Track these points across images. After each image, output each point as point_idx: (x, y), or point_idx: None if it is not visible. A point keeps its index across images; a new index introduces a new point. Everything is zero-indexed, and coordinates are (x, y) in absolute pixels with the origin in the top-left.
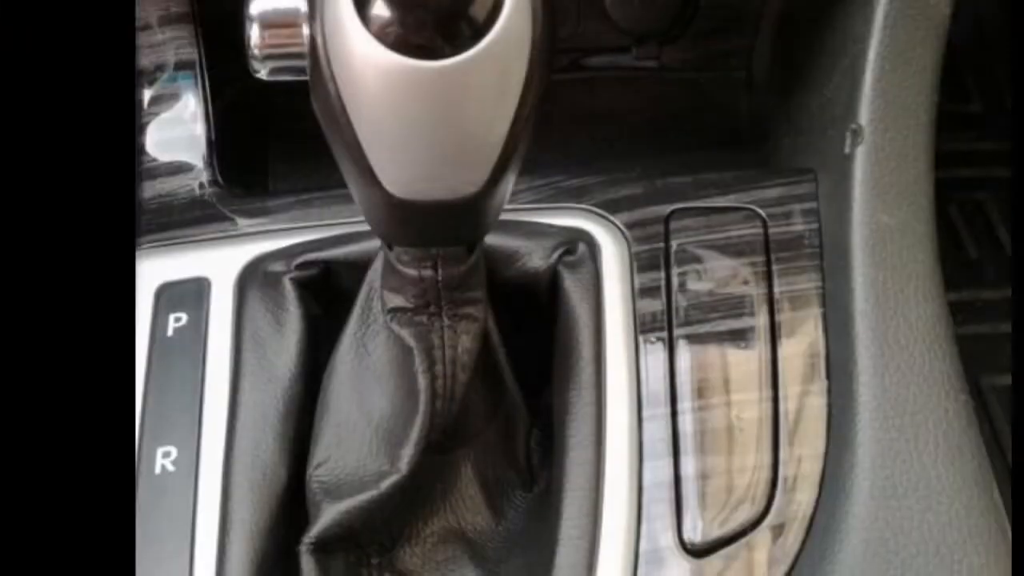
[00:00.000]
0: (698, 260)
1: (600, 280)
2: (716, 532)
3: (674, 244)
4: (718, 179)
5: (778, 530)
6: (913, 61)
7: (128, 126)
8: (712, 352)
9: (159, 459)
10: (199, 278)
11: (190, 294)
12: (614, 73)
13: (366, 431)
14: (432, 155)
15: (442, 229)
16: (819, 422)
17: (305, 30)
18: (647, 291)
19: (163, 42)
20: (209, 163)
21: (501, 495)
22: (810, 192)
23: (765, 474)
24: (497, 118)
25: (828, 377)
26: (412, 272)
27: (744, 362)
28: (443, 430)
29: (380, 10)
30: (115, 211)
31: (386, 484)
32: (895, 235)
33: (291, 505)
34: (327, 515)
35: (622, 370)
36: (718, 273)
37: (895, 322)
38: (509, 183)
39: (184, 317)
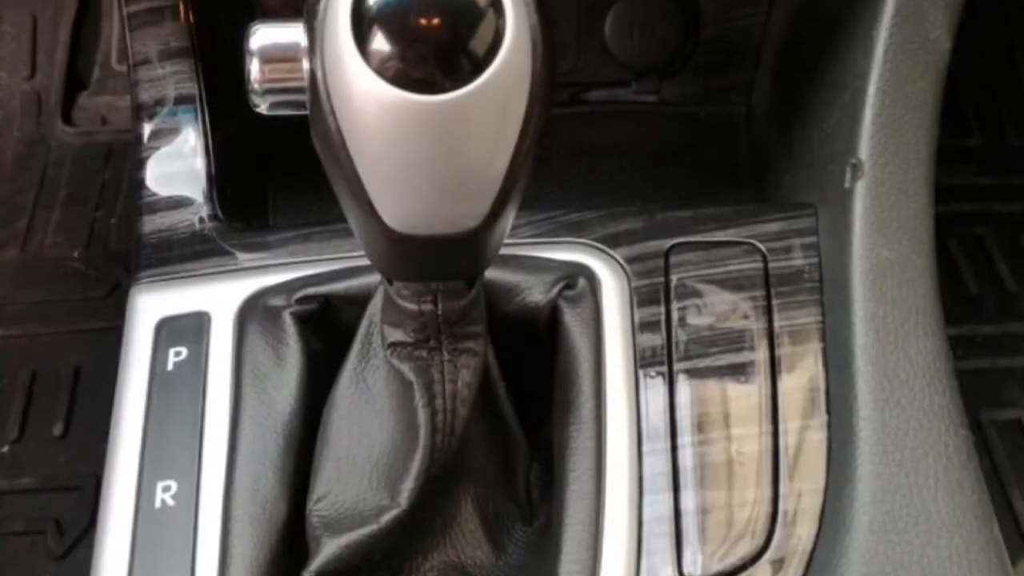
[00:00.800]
0: (698, 294)
1: (600, 314)
2: (716, 567)
3: (674, 278)
4: (718, 213)
5: (778, 564)
6: (913, 95)
7: None
8: (712, 386)
9: (159, 493)
10: (199, 312)
11: (190, 328)
12: (614, 107)
13: (366, 465)
14: (432, 189)
15: (442, 263)
16: (819, 456)
17: (305, 64)
18: (647, 325)
19: (163, 76)
20: (209, 197)
21: (501, 529)
22: (810, 226)
23: (765, 508)
24: (497, 152)
25: (828, 411)
26: (412, 306)
27: (744, 396)
28: (443, 464)
29: (380, 44)
30: None
31: (386, 518)
32: (895, 269)
33: (291, 539)
34: (327, 549)
35: (622, 404)
36: (718, 307)
37: (895, 357)
38: (509, 217)
39: (184, 351)
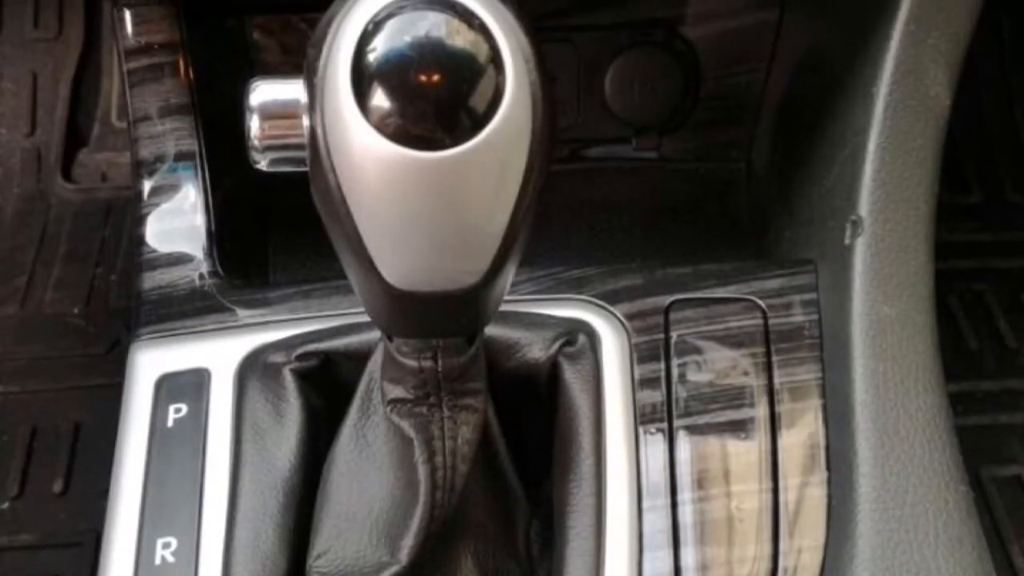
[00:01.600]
0: (698, 351)
1: (600, 371)
2: None
3: (674, 335)
4: (718, 270)
5: None
6: (913, 152)
7: None
8: (712, 443)
9: (159, 550)
10: (199, 369)
11: (190, 385)
12: (614, 164)
13: (366, 522)
14: (432, 246)
15: (442, 320)
16: (819, 513)
17: (305, 121)
18: (647, 382)
19: (163, 133)
20: (209, 254)
21: None
22: (810, 283)
23: (765, 565)
24: (497, 209)
25: (828, 468)
26: (412, 363)
27: (744, 453)
28: (443, 521)
29: (380, 101)
30: None
31: (386, 575)
32: (895, 326)
33: None
34: None
35: (622, 461)
36: (718, 364)
37: (895, 413)
38: (509, 274)
39: (184, 408)
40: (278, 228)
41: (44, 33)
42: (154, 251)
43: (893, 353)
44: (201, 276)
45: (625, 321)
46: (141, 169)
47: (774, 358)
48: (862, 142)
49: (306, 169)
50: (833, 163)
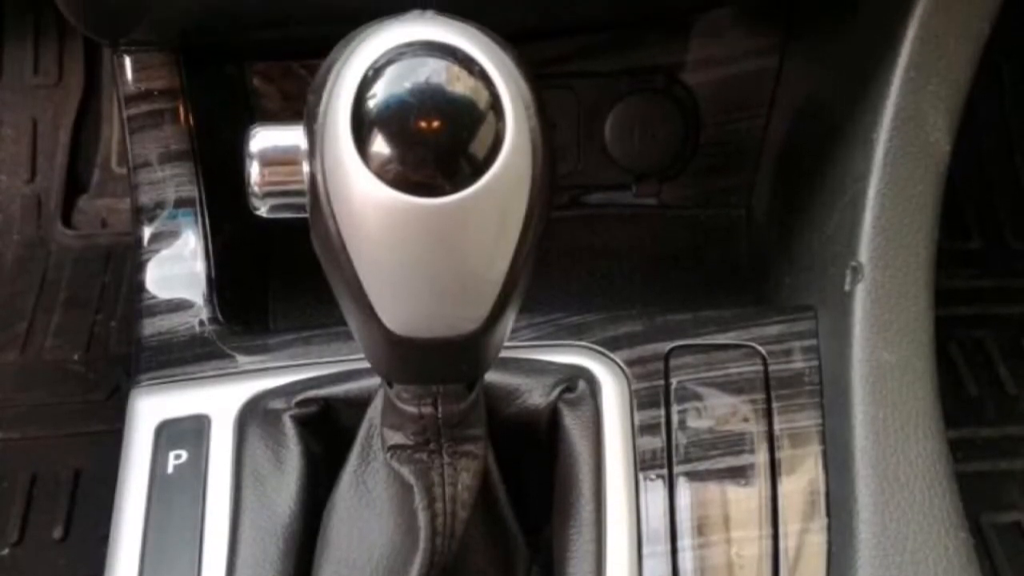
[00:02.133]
0: (698, 397)
1: (600, 417)
2: None
3: (674, 381)
4: (718, 316)
5: None
6: (913, 198)
7: None
8: (712, 489)
9: None
10: (199, 415)
11: (190, 431)
12: (614, 210)
13: (366, 568)
14: (432, 292)
15: (442, 366)
16: (819, 559)
17: (305, 167)
18: (647, 428)
19: (163, 179)
20: (209, 300)
21: None
22: (810, 329)
23: None
24: (497, 255)
25: (828, 514)
26: (412, 409)
27: (744, 499)
28: (443, 567)
29: (380, 147)
30: None
31: None
32: (895, 372)
33: None
34: None
35: (622, 507)
36: (718, 411)
37: (895, 459)
38: (509, 320)
39: (184, 454)
40: (278, 274)
41: (44, 79)
42: (154, 297)
43: (893, 399)
44: (201, 322)
45: (625, 367)
46: (141, 215)
47: (774, 404)
48: (862, 188)
49: (306, 215)
50: (833, 209)
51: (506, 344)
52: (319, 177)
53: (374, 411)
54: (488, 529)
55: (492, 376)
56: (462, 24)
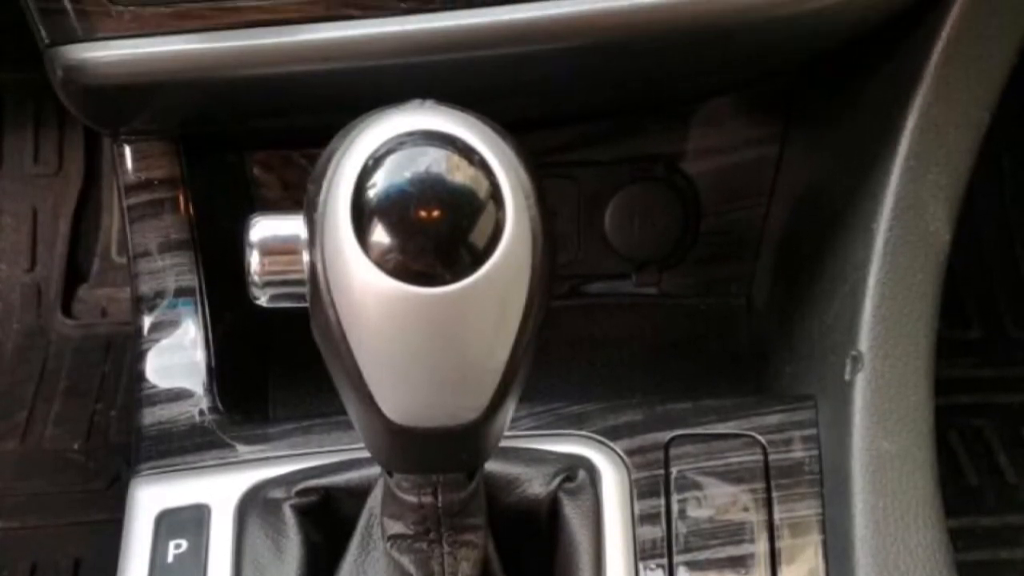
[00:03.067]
0: (698, 487)
1: (600, 507)
2: None
3: (674, 471)
4: (718, 405)
5: None
6: (913, 287)
7: None
8: None
9: None
10: (199, 505)
11: (190, 521)
12: (614, 299)
13: None
14: (432, 381)
15: (442, 455)
16: None
17: (305, 257)
18: (647, 518)
19: (163, 269)
20: (209, 390)
21: None
22: (810, 419)
23: None
24: (497, 344)
25: None
26: (412, 499)
27: None
28: None
29: (380, 237)
30: None
31: None
32: (896, 462)
33: None
34: None
35: None
36: (718, 500)
37: (895, 549)
38: (509, 409)
39: (184, 544)
40: (278, 363)
41: (44, 169)
42: (154, 387)
43: (893, 489)
44: (201, 412)
45: (625, 457)
46: (141, 305)
47: (774, 494)
48: (862, 277)
49: (306, 305)
50: (833, 298)
51: (506, 433)
52: (319, 266)
53: (374, 500)
54: None
55: (492, 465)
56: (462, 113)
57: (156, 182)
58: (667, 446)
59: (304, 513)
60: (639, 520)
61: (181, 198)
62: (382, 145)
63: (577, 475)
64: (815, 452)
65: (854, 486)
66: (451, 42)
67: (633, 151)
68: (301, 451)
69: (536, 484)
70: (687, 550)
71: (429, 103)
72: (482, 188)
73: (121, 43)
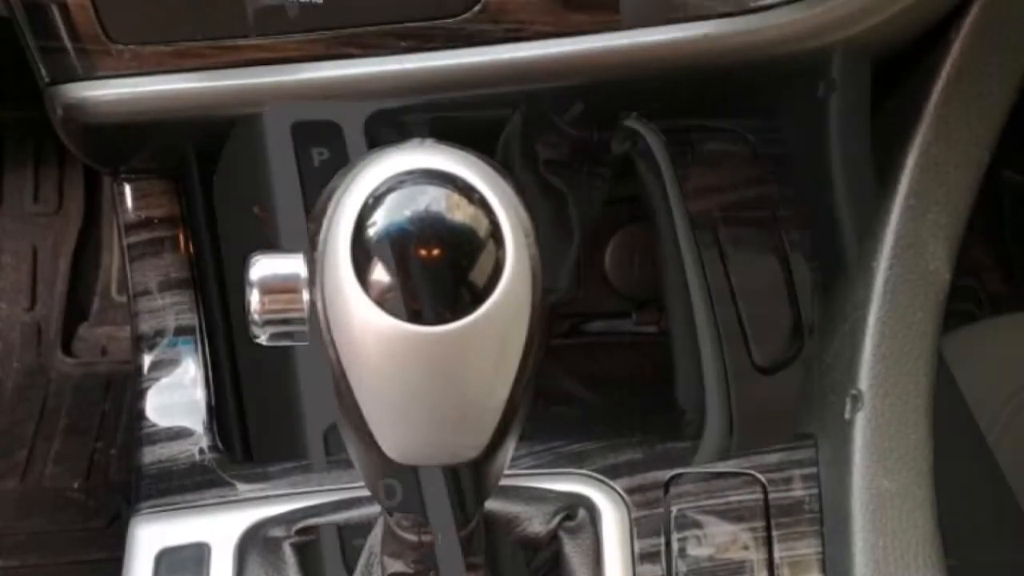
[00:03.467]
0: (698, 525)
1: (600, 545)
2: None
3: (674, 509)
4: (718, 445)
5: None
6: (913, 326)
7: None
8: None
9: None
10: (199, 543)
11: (190, 559)
12: (614, 338)
13: None
14: (433, 420)
15: None
16: None
17: (305, 296)
18: (647, 556)
19: (163, 307)
20: (209, 428)
21: None
22: (810, 457)
23: None
24: (497, 383)
25: None
26: (412, 537)
27: None
28: None
29: (380, 275)
30: None
31: None
32: (896, 500)
33: None
34: None
35: None
36: (718, 538)
37: None
38: (509, 448)
39: None
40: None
41: (44, 207)
42: (154, 425)
43: (893, 527)
44: (201, 450)
45: (625, 495)
46: (141, 343)
47: (774, 532)
48: (862, 316)
49: (306, 344)
50: (833, 337)
51: (506, 472)
52: (319, 305)
53: (374, 539)
54: None
55: (492, 504)
56: (461, 152)
57: (156, 220)
58: (667, 484)
59: (304, 551)
60: (639, 559)
61: (181, 236)
62: (382, 184)
63: (577, 514)
64: (815, 491)
65: (854, 525)
66: (451, 81)
67: (633, 190)
68: (301, 490)
69: (536, 523)
70: None
71: (429, 141)
72: (482, 226)
73: (121, 82)
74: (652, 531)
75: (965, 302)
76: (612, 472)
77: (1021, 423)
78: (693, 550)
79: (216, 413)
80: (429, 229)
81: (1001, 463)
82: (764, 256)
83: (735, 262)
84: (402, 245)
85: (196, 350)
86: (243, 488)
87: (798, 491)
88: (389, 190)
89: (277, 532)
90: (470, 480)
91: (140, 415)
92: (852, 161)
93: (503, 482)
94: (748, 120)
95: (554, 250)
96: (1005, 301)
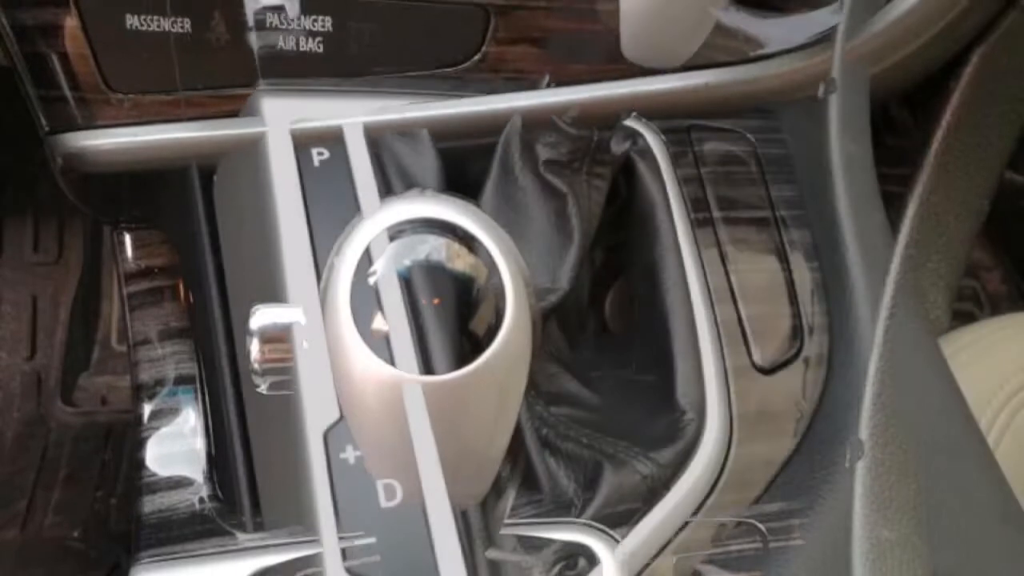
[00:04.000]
0: (699, 575)
1: None
2: None
3: (675, 559)
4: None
5: None
6: (914, 376)
7: None
8: None
9: None
10: None
11: None
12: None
13: None
14: None
15: None
16: None
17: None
18: None
19: (163, 357)
20: (209, 478)
21: None
22: (810, 506)
23: None
24: (497, 431)
25: None
26: None
27: None
28: None
29: (380, 325)
30: None
31: None
32: (896, 550)
33: None
34: None
35: None
36: None
37: None
38: (510, 496)
39: None
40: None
41: (44, 257)
42: (154, 475)
43: None
44: (201, 500)
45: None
46: (141, 393)
47: None
48: (862, 365)
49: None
50: (833, 385)
51: (506, 520)
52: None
53: None
54: None
55: (491, 553)
56: (461, 201)
57: (156, 270)
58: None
59: None
60: None
61: (181, 286)
62: (382, 233)
63: (577, 563)
64: (815, 539)
65: (854, 572)
66: (450, 130)
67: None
68: (301, 539)
69: (536, 572)
70: None
71: (429, 191)
72: (481, 276)
73: (120, 131)
74: None
75: (965, 302)
76: (612, 520)
77: (1021, 423)
78: None
79: (216, 462)
80: (429, 278)
81: (1001, 463)
82: (764, 256)
83: (735, 262)
84: (402, 294)
85: (196, 399)
86: (243, 537)
87: (798, 540)
88: (390, 239)
89: None
90: (478, 523)
91: (140, 464)
92: (852, 161)
93: (502, 531)
94: (748, 120)
95: (554, 250)
96: (1005, 301)
